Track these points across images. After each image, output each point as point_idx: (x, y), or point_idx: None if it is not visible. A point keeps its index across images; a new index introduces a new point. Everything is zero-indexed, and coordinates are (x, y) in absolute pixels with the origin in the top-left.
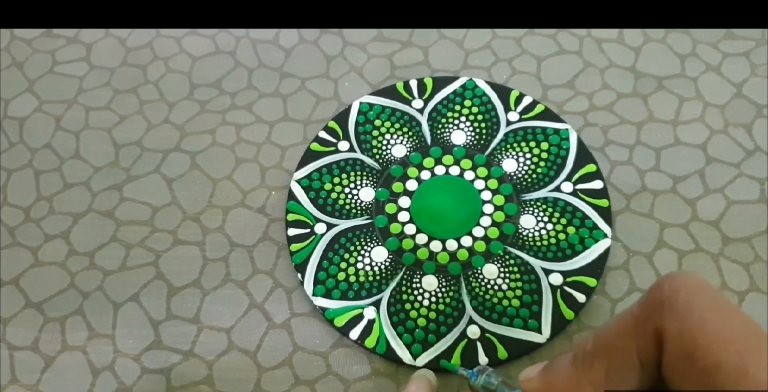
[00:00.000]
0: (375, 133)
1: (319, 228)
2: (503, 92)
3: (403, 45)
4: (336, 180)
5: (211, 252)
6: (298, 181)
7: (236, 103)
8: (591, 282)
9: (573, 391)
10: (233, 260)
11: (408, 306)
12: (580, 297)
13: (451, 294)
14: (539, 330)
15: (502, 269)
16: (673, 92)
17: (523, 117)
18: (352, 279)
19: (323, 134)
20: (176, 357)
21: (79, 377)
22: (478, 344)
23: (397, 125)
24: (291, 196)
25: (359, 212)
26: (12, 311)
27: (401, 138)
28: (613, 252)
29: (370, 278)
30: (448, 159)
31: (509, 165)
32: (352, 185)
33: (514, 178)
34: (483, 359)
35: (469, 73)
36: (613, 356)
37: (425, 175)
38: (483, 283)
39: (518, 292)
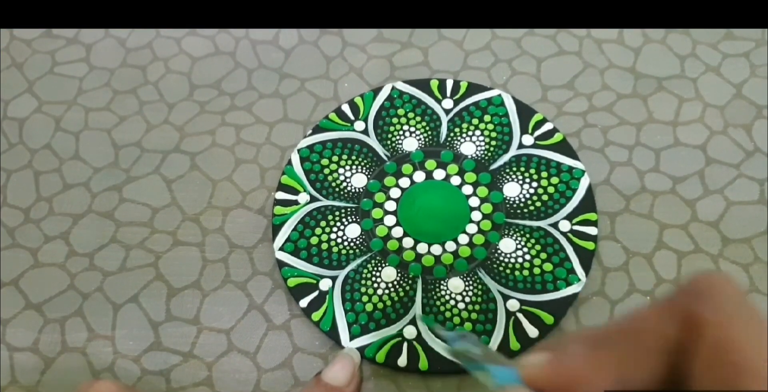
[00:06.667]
0: (395, 120)
1: (303, 198)
2: (526, 113)
3: (402, 45)
4: (335, 158)
5: (210, 253)
6: (299, 150)
7: (236, 104)
8: (548, 318)
9: (586, 378)
10: (233, 261)
11: (363, 289)
12: (532, 332)
13: (404, 291)
14: None
15: (466, 287)
16: (672, 93)
17: (538, 143)
18: (324, 246)
19: (345, 108)
20: (176, 359)
21: (78, 378)
22: (405, 345)
23: (418, 118)
24: (289, 161)
25: (345, 196)
26: (12, 312)
27: (417, 132)
28: (612, 253)
29: (335, 250)
30: (452, 168)
31: (511, 189)
32: (347, 167)
33: (513, 202)
34: (402, 362)
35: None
36: (635, 338)
37: (420, 176)
38: (442, 294)
39: (474, 315)
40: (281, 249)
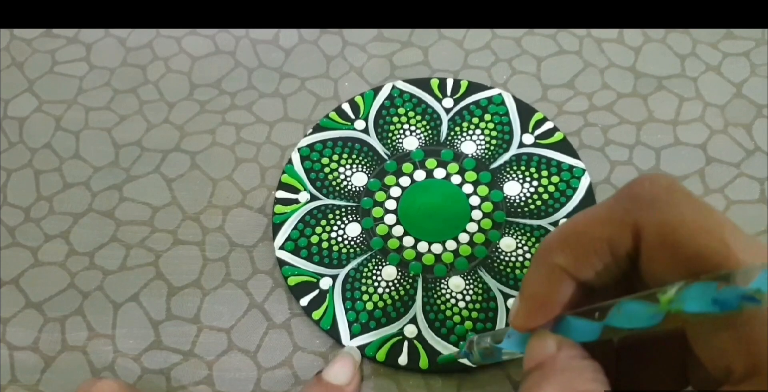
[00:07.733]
0: (395, 119)
1: (303, 196)
2: (526, 112)
3: (403, 45)
4: (335, 157)
5: (211, 252)
6: (299, 149)
7: (236, 103)
8: None
9: (542, 287)
10: (233, 260)
11: (363, 287)
12: None
13: (404, 290)
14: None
15: (466, 286)
16: (673, 92)
17: (539, 142)
18: (325, 245)
19: (346, 107)
20: (176, 357)
21: (79, 377)
22: (406, 344)
23: (418, 117)
24: (289, 160)
25: (346, 195)
26: (12, 311)
27: (418, 131)
28: None
29: (335, 249)
30: (452, 167)
31: (512, 187)
32: (348, 166)
33: (513, 201)
34: (403, 360)
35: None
36: (581, 243)
37: (421, 175)
38: (442, 293)
39: (474, 314)
40: (281, 247)
